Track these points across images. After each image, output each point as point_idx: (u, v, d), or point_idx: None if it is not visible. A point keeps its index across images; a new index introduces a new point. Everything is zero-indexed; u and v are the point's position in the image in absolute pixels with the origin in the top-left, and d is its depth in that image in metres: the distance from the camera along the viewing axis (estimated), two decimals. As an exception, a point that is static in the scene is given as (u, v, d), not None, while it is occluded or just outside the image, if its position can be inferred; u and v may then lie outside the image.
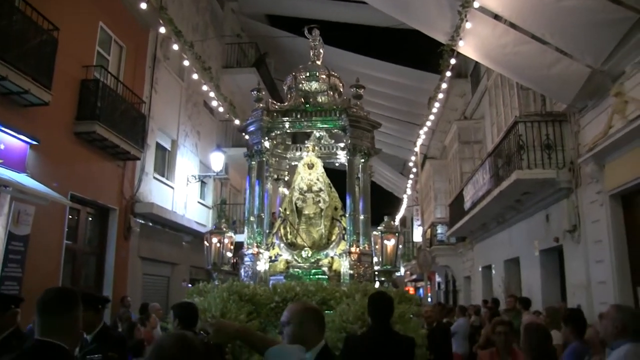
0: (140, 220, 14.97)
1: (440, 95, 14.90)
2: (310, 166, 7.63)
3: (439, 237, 22.82)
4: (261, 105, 7.33)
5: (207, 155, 19.48)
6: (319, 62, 7.91)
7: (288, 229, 7.50)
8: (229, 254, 7.33)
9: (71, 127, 11.77)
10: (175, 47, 12.66)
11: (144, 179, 15.13)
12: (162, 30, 12.16)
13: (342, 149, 7.64)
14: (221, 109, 17.49)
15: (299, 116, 7.29)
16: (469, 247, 20.47)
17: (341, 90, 7.85)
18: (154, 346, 2.12)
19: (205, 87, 15.14)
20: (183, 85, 18.16)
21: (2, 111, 9.41)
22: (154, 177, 16.08)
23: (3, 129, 9.30)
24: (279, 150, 8.14)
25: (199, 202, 19.65)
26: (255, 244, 7.02)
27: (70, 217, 11.95)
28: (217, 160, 18.43)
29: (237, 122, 17.19)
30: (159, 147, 16.68)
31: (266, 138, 7.29)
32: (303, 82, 7.59)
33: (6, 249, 9.26)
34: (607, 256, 9.13)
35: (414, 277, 32.17)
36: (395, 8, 11.56)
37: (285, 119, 7.29)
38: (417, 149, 20.49)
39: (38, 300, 2.69)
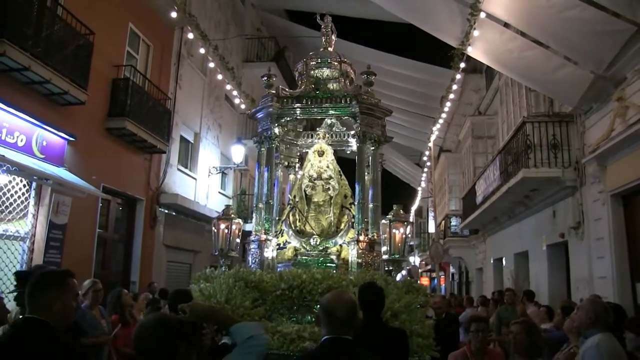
0: (165, 210, 15.74)
1: (453, 95, 15.33)
2: (321, 153, 7.55)
3: (453, 229, 23.14)
4: (272, 91, 7.17)
5: (227, 147, 20.22)
6: (330, 49, 7.78)
7: (297, 216, 7.41)
8: (237, 241, 7.21)
9: (103, 124, 12.56)
10: (202, 50, 13.28)
11: (168, 171, 15.89)
12: (190, 35, 12.77)
13: (353, 136, 7.48)
14: (243, 106, 18.11)
15: (309, 102, 7.12)
16: (482, 240, 20.80)
17: (353, 77, 7.72)
18: (137, 325, 2.60)
19: (228, 87, 15.73)
20: (205, 80, 18.82)
21: (45, 111, 10.23)
22: (178, 169, 16.83)
23: (45, 127, 10.14)
24: (290, 137, 8.03)
25: (219, 193, 20.36)
26: (263, 231, 6.91)
27: (101, 206, 12.72)
28: (238, 152, 19.15)
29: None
30: (182, 140, 17.41)
31: (276, 124, 7.15)
32: (314, 68, 7.46)
33: (47, 237, 10.16)
34: (608, 253, 9.45)
35: (429, 267, 32.55)
36: (408, 12, 12.02)
37: (296, 105, 7.15)
38: (430, 144, 20.93)
39: None
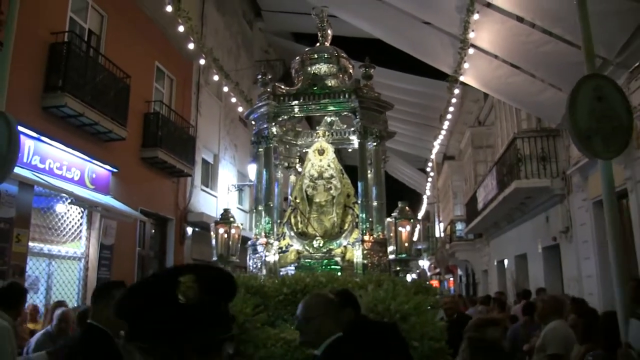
0: (192, 228, 17.14)
1: (452, 108, 16.37)
2: (321, 152, 7.30)
3: (459, 234, 24.17)
4: (267, 89, 6.92)
5: (244, 165, 21.65)
6: (327, 44, 7.54)
7: (299, 218, 7.15)
8: (238, 246, 6.96)
9: (138, 154, 14.01)
10: (225, 89, 14.54)
11: (193, 192, 17.32)
12: (216, 77, 14.03)
13: (354, 132, 7.16)
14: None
15: (307, 99, 6.84)
16: (485, 243, 21.82)
17: (351, 72, 7.48)
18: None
19: (240, 109, 16.93)
20: (221, 104, 20.20)
21: (93, 147, 11.69)
22: (201, 189, 18.23)
23: (94, 161, 11.61)
24: (289, 137, 7.82)
25: (238, 208, 21.65)
26: (263, 234, 6.64)
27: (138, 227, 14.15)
28: (254, 170, 20.42)
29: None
30: (203, 162, 18.81)
31: (273, 123, 6.88)
32: (311, 64, 7.20)
33: (99, 256, 11.66)
34: (592, 254, 10.63)
35: (437, 270, 33.61)
36: (406, 44, 13.30)
37: (293, 102, 6.86)
38: (432, 156, 21.93)
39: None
